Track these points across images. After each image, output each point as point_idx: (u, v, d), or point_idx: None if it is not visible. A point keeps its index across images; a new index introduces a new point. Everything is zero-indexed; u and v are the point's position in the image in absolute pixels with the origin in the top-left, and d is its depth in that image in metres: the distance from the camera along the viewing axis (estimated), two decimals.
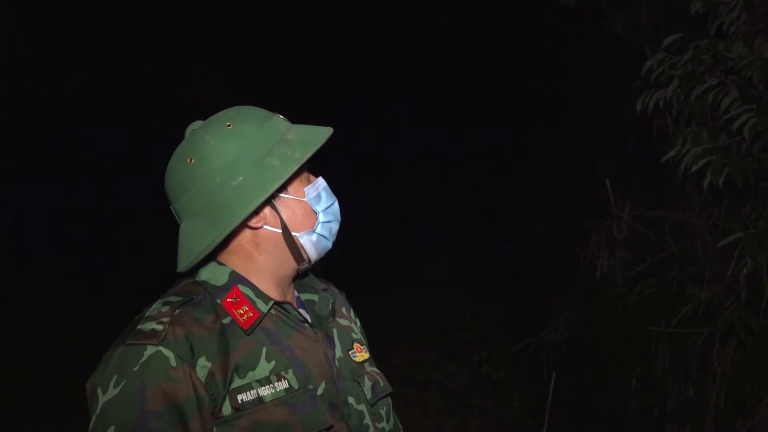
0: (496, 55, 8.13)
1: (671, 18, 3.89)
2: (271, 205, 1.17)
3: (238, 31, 9.39)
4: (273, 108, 1.24)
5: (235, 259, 1.20)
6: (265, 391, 1.11)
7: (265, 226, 1.18)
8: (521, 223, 6.01)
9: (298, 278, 1.28)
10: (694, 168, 3.11)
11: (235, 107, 1.22)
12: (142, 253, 6.82)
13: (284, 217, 1.18)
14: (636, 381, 4.08)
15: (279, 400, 1.12)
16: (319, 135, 1.18)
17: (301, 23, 9.64)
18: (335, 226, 1.24)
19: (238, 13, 9.41)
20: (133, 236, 7.36)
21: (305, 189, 1.20)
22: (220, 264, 1.20)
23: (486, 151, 8.19)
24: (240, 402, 1.10)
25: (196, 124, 1.20)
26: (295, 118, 1.24)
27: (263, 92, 8.65)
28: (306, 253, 1.21)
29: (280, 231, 1.18)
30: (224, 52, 9.25)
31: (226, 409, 1.10)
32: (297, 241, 1.19)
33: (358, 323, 1.40)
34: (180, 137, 1.21)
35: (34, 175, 7.73)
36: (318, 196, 1.21)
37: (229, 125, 1.15)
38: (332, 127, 1.22)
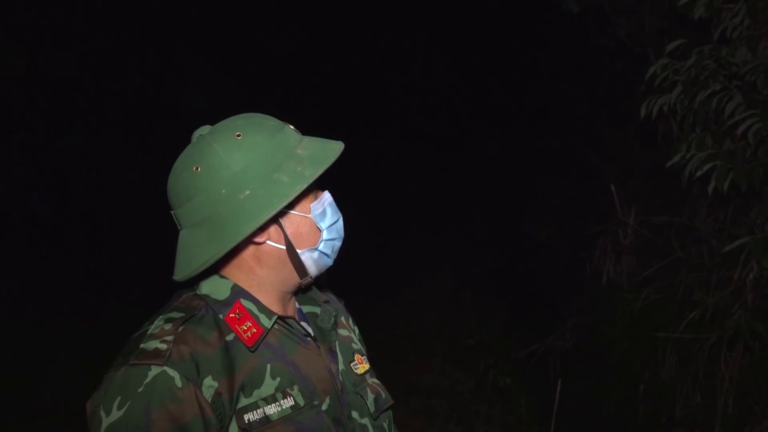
0: (500, 61, 8.14)
1: (675, 23, 3.90)
2: (277, 221, 1.14)
3: (243, 32, 9.43)
4: (280, 113, 1.21)
5: (236, 273, 1.17)
6: (271, 410, 1.09)
7: (268, 242, 1.15)
8: (527, 229, 6.01)
9: (300, 291, 1.26)
10: (699, 173, 3.10)
11: (246, 115, 1.17)
12: (144, 257, 6.85)
13: (289, 233, 1.15)
14: (643, 387, 4.06)
15: (285, 418, 1.10)
16: (330, 152, 1.14)
17: (309, 27, 9.67)
18: (338, 244, 1.21)
19: (244, 14, 9.45)
20: (135, 240, 7.39)
21: (311, 205, 1.17)
22: (222, 277, 1.17)
23: (491, 157, 8.20)
24: (247, 422, 1.07)
25: (204, 129, 1.16)
26: (300, 121, 1.21)
27: (268, 94, 8.69)
28: (307, 269, 1.18)
29: (284, 247, 1.15)
30: (227, 52, 9.29)
31: (233, 429, 1.07)
32: (299, 258, 1.16)
33: (357, 331, 1.37)
34: (181, 139, 1.17)
35: (35, 175, 7.78)
36: (323, 212, 1.18)
37: (239, 135, 1.11)
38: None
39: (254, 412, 1.08)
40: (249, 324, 1.13)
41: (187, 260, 1.11)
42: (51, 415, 4.49)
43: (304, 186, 1.09)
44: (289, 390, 1.12)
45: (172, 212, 1.16)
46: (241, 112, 1.20)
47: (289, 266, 1.17)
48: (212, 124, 1.19)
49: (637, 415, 4.07)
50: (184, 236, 1.14)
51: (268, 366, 1.13)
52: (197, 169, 1.11)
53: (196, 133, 1.17)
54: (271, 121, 1.17)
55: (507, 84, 7.79)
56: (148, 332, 1.09)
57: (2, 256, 6.61)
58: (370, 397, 1.26)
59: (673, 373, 3.89)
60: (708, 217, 3.98)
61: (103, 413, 1.03)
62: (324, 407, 1.16)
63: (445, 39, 9.35)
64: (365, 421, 1.23)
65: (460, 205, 8.24)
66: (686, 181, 3.28)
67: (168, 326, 1.09)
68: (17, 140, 7.70)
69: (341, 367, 1.24)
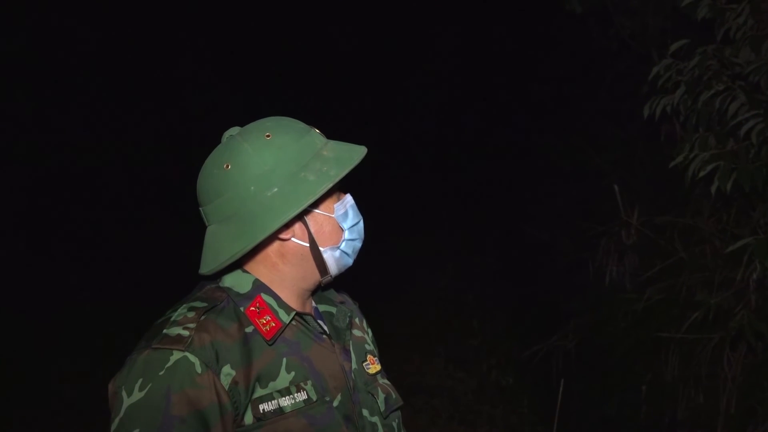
0: (503, 61, 8.14)
1: (678, 23, 3.89)
2: (302, 219, 1.18)
3: (244, 33, 9.45)
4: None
5: (260, 268, 1.21)
6: (285, 402, 1.13)
7: (292, 239, 1.19)
8: (530, 229, 6.00)
9: (319, 290, 1.30)
10: (702, 173, 3.10)
11: (274, 117, 1.23)
12: (147, 257, 6.87)
13: (312, 231, 1.19)
14: (646, 387, 4.06)
15: (298, 411, 1.13)
16: (354, 154, 1.19)
17: (313, 25, 9.69)
18: (358, 245, 1.26)
19: (247, 17, 9.46)
20: (139, 240, 7.41)
21: (335, 205, 1.21)
22: (245, 272, 1.21)
23: (494, 157, 8.19)
24: (261, 412, 1.11)
25: (234, 130, 1.21)
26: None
27: (271, 94, 8.69)
28: (328, 268, 1.22)
29: (307, 245, 1.19)
30: (233, 57, 9.31)
31: (248, 418, 1.11)
32: (321, 256, 1.21)
33: (370, 333, 1.41)
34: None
35: (36, 174, 7.79)
36: (345, 214, 1.22)
37: (268, 135, 1.16)
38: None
39: (269, 402, 1.12)
40: (268, 318, 1.17)
41: (215, 254, 1.15)
42: (53, 412, 4.51)
43: (330, 185, 1.14)
44: (302, 384, 1.16)
45: (200, 208, 1.20)
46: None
47: (311, 263, 1.21)
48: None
49: (640, 415, 4.07)
50: (211, 232, 1.18)
51: (284, 360, 1.16)
52: (227, 166, 1.15)
53: (227, 134, 1.21)
54: (299, 124, 1.22)
55: (510, 84, 7.79)
56: (171, 319, 1.13)
57: (4, 254, 6.63)
58: (381, 396, 1.30)
59: (676, 374, 3.89)
60: (711, 217, 3.97)
61: (124, 394, 1.06)
62: (335, 404, 1.19)
63: (448, 39, 9.35)
64: (375, 419, 1.26)
65: (462, 205, 8.23)
66: (689, 182, 3.27)
67: (191, 314, 1.13)
68: (20, 138, 7.72)
69: (354, 366, 1.28)
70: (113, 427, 1.07)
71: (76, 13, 7.98)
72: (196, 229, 1.23)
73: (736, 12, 3.12)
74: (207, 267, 1.16)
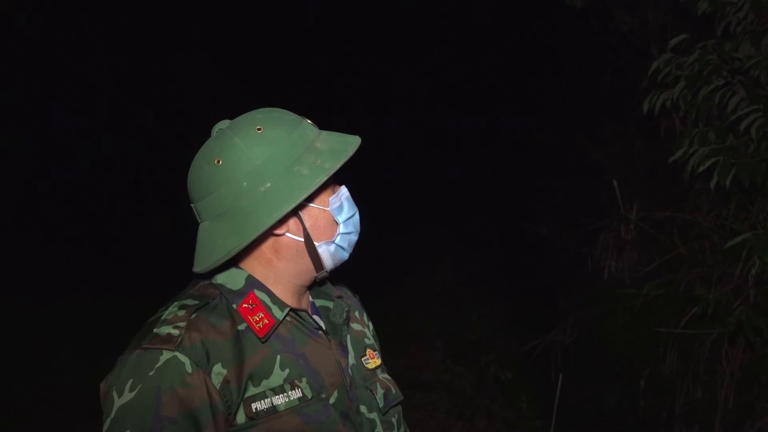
0: (503, 56, 8.13)
1: (678, 18, 3.89)
2: (296, 214, 1.16)
3: (239, 24, 9.43)
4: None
5: (254, 264, 1.19)
6: (279, 400, 1.11)
7: (287, 234, 1.17)
8: (528, 224, 6.00)
9: (315, 285, 1.28)
10: (702, 168, 3.10)
11: (265, 109, 1.20)
12: (146, 250, 6.87)
13: (307, 226, 1.17)
14: (644, 382, 4.06)
15: (292, 409, 1.12)
16: (348, 145, 1.16)
17: (308, 18, 9.67)
18: (354, 238, 1.23)
19: (240, 8, 9.44)
20: (134, 234, 7.41)
21: (329, 198, 1.19)
22: (238, 268, 1.19)
23: (493, 152, 8.19)
24: (254, 411, 1.10)
25: (224, 124, 1.18)
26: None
27: (267, 86, 8.67)
28: (323, 262, 1.20)
29: (302, 240, 1.17)
30: (229, 47, 9.29)
31: (240, 417, 1.09)
32: (316, 251, 1.18)
33: (371, 327, 1.39)
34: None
35: (37, 168, 7.79)
36: (340, 207, 1.20)
37: (259, 129, 1.13)
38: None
39: (262, 401, 1.10)
40: (261, 315, 1.15)
41: (209, 252, 1.13)
42: (53, 406, 4.51)
43: (324, 178, 1.11)
44: (297, 382, 1.14)
45: (192, 205, 1.17)
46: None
47: (306, 259, 1.19)
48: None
49: (638, 410, 4.07)
50: (204, 229, 1.16)
51: (278, 357, 1.14)
52: (219, 162, 1.12)
53: (216, 128, 1.18)
54: (290, 116, 1.19)
55: (509, 78, 7.78)
56: (162, 317, 1.11)
57: (5, 247, 6.63)
58: (380, 392, 1.28)
59: (674, 369, 3.89)
60: (710, 212, 3.97)
61: (115, 394, 1.05)
62: (332, 401, 1.17)
63: (446, 32, 9.33)
64: (373, 415, 1.25)
65: (461, 200, 8.23)
66: (688, 177, 3.27)
67: (181, 312, 1.11)
68: (20, 131, 7.71)
69: (352, 361, 1.26)
70: (105, 427, 1.06)
71: (75, 7, 7.96)
72: (195, 223, 1.21)
73: (737, 6, 3.11)
74: (201, 265, 1.14)
